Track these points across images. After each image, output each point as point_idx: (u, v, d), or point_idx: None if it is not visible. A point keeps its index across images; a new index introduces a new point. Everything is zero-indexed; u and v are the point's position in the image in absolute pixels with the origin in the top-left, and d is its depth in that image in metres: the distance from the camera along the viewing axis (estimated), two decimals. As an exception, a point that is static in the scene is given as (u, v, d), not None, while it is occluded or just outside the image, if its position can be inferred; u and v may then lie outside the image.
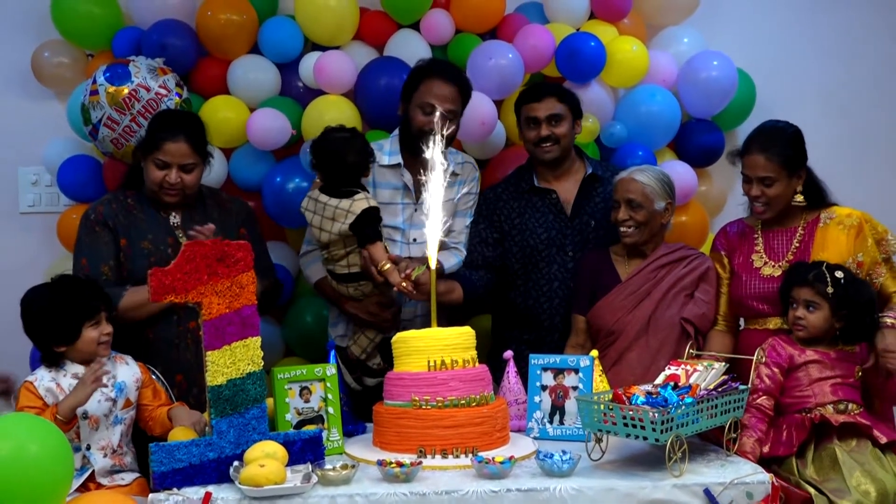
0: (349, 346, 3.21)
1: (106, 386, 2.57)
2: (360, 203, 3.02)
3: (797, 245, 3.03)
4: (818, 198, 3.06)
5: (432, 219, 2.72)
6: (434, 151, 2.72)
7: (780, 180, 2.97)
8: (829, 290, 2.79)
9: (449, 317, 3.39)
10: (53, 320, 2.58)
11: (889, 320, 2.84)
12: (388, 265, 2.98)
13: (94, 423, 2.55)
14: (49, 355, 2.61)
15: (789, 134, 3.02)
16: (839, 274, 2.80)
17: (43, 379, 2.56)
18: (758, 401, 2.75)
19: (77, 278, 2.77)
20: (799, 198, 3.01)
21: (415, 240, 3.30)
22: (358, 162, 3.08)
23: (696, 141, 4.03)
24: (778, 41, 4.34)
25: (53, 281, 2.71)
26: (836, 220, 3.02)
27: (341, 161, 3.06)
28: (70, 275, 2.85)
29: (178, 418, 2.61)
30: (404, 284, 2.95)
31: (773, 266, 3.02)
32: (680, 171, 3.76)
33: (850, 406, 2.78)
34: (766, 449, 2.72)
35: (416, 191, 3.30)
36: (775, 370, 2.81)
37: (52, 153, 3.83)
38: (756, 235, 3.11)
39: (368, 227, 3.02)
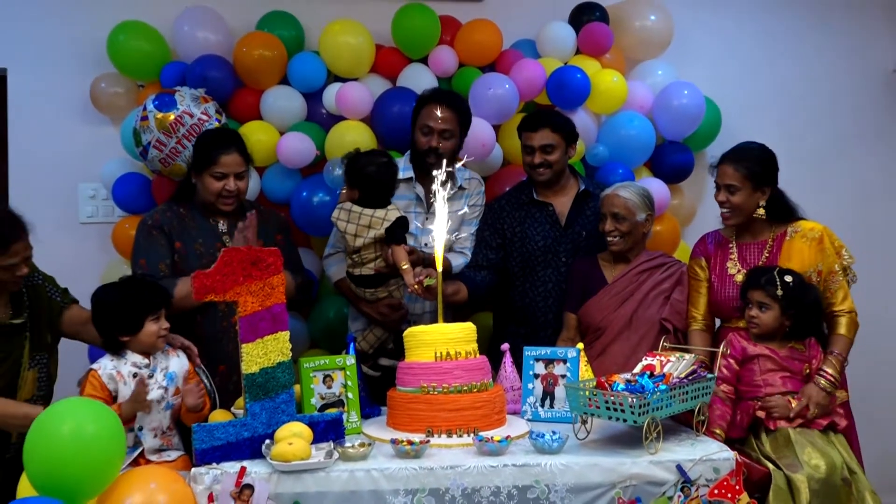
0: (360, 342, 3.22)
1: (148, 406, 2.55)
2: (393, 212, 3.08)
3: (766, 256, 3.02)
4: (786, 214, 3.05)
5: (438, 230, 2.74)
6: (436, 172, 2.76)
7: (743, 190, 2.97)
8: (779, 292, 2.79)
9: (454, 314, 3.40)
10: (121, 313, 2.58)
11: (823, 381, 2.79)
12: (406, 266, 3.01)
13: (148, 408, 2.56)
14: (113, 344, 2.61)
15: (758, 153, 3.03)
16: (788, 278, 2.81)
17: (106, 367, 2.56)
18: (720, 387, 2.77)
19: (143, 279, 2.76)
20: (760, 211, 3.00)
21: (426, 244, 3.31)
22: (393, 184, 3.17)
23: (669, 160, 4.03)
24: (741, 73, 4.35)
25: (122, 280, 2.72)
26: (801, 234, 3.01)
27: (383, 182, 3.13)
28: (137, 276, 2.86)
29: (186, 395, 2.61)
30: (416, 287, 2.96)
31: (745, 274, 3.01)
32: (655, 187, 3.75)
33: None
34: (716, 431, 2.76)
35: (427, 201, 3.32)
36: (731, 361, 2.83)
37: (107, 171, 3.83)
38: (731, 246, 3.11)
39: (398, 230, 3.07)
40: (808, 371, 2.81)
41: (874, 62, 4.46)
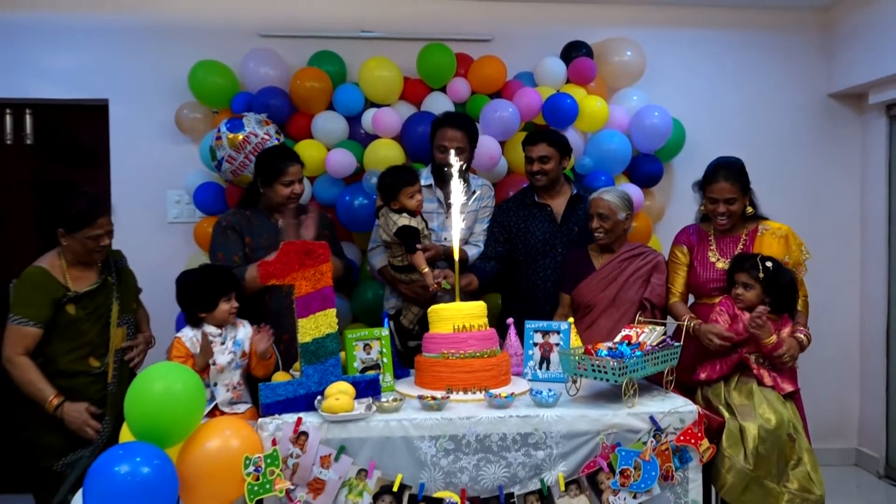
0: (402, 319, 3.21)
1: (211, 355, 2.59)
2: (402, 220, 3.03)
3: (741, 248, 2.98)
4: (755, 213, 3.02)
5: (454, 229, 2.73)
6: (454, 185, 2.74)
7: (738, 200, 2.94)
8: (760, 275, 2.76)
9: (469, 294, 3.39)
10: (200, 294, 2.61)
11: (802, 336, 2.77)
12: (426, 269, 2.99)
13: (220, 368, 2.58)
14: (193, 318, 2.63)
15: (741, 166, 3.00)
16: (768, 263, 2.77)
17: (186, 335, 2.60)
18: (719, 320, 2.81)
19: (218, 266, 2.80)
20: (749, 210, 2.98)
21: (445, 239, 3.30)
22: (382, 192, 3.11)
23: (643, 169, 4.00)
24: (702, 98, 4.31)
25: (201, 267, 2.75)
26: (770, 232, 2.97)
27: (382, 194, 3.11)
28: (214, 264, 2.88)
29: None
30: (435, 286, 2.97)
31: (724, 262, 2.97)
32: (631, 191, 3.73)
33: (767, 360, 2.75)
34: (703, 375, 2.78)
35: (447, 204, 3.30)
36: (727, 316, 2.81)
37: (189, 181, 3.86)
38: (710, 238, 3.06)
39: (408, 239, 3.03)
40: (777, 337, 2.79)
41: (812, 88, 4.39)
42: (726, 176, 2.95)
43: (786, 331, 2.76)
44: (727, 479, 2.47)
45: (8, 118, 4.01)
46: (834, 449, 4.39)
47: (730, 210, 2.95)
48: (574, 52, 4.01)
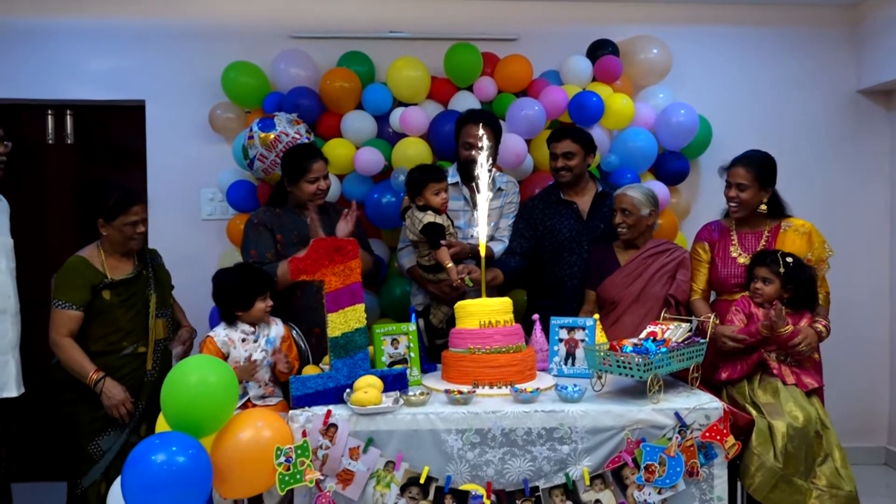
0: (431, 318, 3.20)
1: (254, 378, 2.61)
2: (427, 217, 3.04)
3: (764, 244, 2.94)
4: (779, 211, 2.98)
5: (481, 226, 2.73)
6: (482, 181, 2.72)
7: (751, 188, 2.90)
8: (781, 270, 2.72)
9: (496, 291, 3.38)
10: (237, 293, 2.62)
11: (820, 326, 2.73)
12: (450, 265, 2.98)
13: (255, 365, 2.60)
14: (229, 316, 2.65)
15: (764, 158, 2.96)
16: (789, 259, 2.73)
17: (219, 335, 2.61)
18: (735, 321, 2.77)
19: (253, 266, 2.80)
20: (763, 207, 2.93)
21: (472, 235, 3.28)
22: (409, 187, 3.12)
23: (669, 167, 3.95)
24: (728, 95, 4.24)
25: (238, 266, 2.75)
26: (793, 228, 2.93)
27: (409, 191, 3.13)
28: (249, 263, 2.89)
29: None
30: (459, 281, 2.96)
31: (746, 257, 2.93)
32: (657, 188, 3.69)
33: (788, 357, 2.71)
34: (724, 375, 2.74)
35: (473, 201, 3.29)
36: (742, 315, 2.78)
37: (222, 179, 3.90)
38: (732, 234, 3.03)
39: (433, 236, 3.02)
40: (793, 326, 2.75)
41: (840, 84, 4.31)
42: (744, 163, 2.93)
43: (803, 322, 2.71)
44: (756, 477, 2.43)
45: (49, 119, 4.10)
46: (863, 448, 4.31)
47: (740, 197, 2.91)
48: (600, 50, 3.97)
